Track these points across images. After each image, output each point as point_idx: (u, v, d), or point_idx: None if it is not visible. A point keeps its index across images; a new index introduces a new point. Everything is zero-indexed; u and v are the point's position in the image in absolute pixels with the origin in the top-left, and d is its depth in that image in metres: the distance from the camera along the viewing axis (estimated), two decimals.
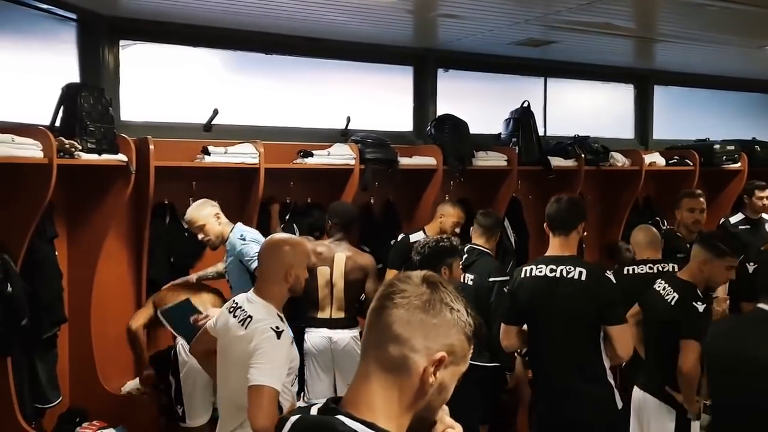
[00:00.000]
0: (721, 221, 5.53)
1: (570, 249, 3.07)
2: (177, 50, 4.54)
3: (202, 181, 4.25)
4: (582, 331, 2.95)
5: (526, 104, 5.27)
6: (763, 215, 5.51)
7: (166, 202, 4.21)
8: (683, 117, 6.67)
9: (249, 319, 2.41)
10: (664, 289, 3.27)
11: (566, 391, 2.98)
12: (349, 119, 4.83)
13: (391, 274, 4.38)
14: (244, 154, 4.15)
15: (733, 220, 5.54)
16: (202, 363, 2.80)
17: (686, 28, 4.66)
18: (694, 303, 3.11)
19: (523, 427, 4.64)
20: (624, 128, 6.39)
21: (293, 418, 1.18)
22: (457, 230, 4.36)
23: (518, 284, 3.17)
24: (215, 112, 4.36)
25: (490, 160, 4.99)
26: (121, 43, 4.24)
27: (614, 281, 2.98)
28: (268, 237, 2.85)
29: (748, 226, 5.41)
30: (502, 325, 3.22)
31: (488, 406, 3.98)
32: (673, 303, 3.17)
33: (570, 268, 2.97)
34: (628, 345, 2.95)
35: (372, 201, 4.83)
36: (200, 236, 3.81)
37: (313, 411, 1.18)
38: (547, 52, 5.38)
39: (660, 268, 3.95)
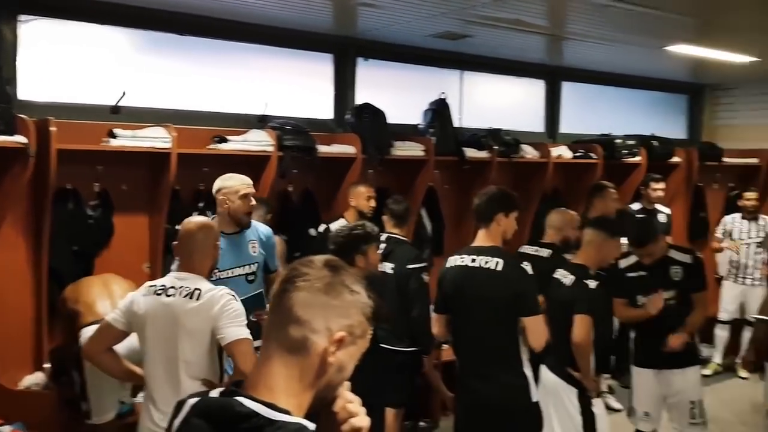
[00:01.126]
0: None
1: (492, 239, 3.12)
2: (84, 28, 4.30)
3: (108, 165, 4.07)
4: (498, 322, 3.02)
5: (443, 96, 5.34)
6: (657, 205, 5.91)
7: (69, 187, 3.99)
8: (589, 112, 6.97)
9: (198, 292, 2.56)
10: (562, 274, 3.49)
11: (482, 380, 3.05)
12: (266, 105, 4.74)
13: None
14: (155, 138, 3.99)
15: (632, 209, 5.92)
16: (98, 361, 2.73)
17: (593, 28, 4.86)
18: (586, 281, 3.36)
19: (435, 410, 4.74)
20: (534, 122, 6.61)
21: (192, 401, 1.18)
22: (373, 204, 4.41)
23: (444, 273, 3.24)
24: (123, 94, 4.18)
25: (408, 149, 5.04)
26: (21, 18, 3.98)
27: (530, 273, 3.03)
28: (189, 220, 2.85)
29: (645, 216, 5.78)
30: (433, 313, 3.29)
31: (406, 389, 4.04)
32: (570, 284, 3.41)
33: (488, 259, 3.04)
34: (541, 336, 3.00)
35: (290, 189, 4.77)
36: (252, 202, 3.55)
37: (214, 393, 1.18)
38: (463, 46, 5.48)
39: (535, 251, 4.27)
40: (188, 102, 4.63)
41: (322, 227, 4.47)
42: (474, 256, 3.10)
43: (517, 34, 5.02)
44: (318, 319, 1.17)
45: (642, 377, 3.94)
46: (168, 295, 2.58)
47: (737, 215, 6.36)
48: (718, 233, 6.42)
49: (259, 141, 4.38)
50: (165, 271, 4.17)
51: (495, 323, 3.03)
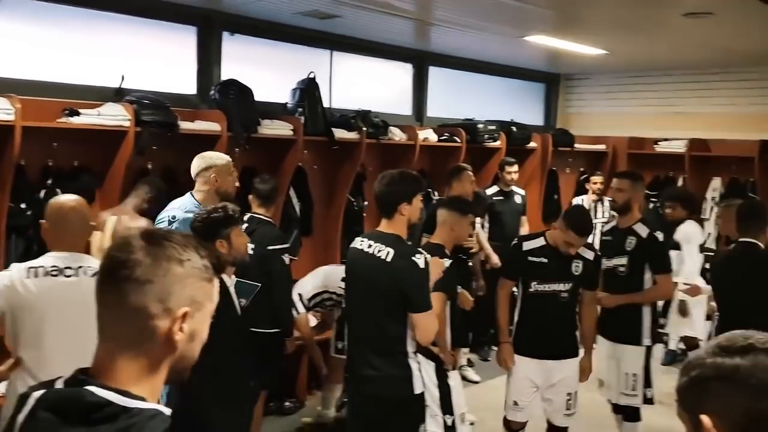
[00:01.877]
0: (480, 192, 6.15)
1: (394, 227, 3.01)
2: None
3: None
4: (385, 312, 2.97)
5: (312, 75, 5.31)
6: (513, 188, 6.27)
7: None
8: (454, 97, 7.20)
9: (90, 269, 2.56)
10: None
11: (368, 368, 3.01)
12: (123, 78, 4.49)
13: None
14: None
15: (490, 191, 6.25)
16: None
17: (458, 15, 5.02)
18: (440, 259, 3.36)
19: (300, 390, 4.77)
20: (402, 105, 6.74)
21: (36, 394, 1.11)
22: (237, 184, 4.30)
23: (348, 255, 3.21)
24: None
25: (276, 128, 4.98)
26: None
27: (421, 266, 2.91)
28: (59, 200, 2.75)
29: (502, 198, 6.20)
30: None
31: (269, 371, 4.01)
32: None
33: (381, 247, 2.95)
34: (428, 331, 2.95)
35: (150, 167, 4.57)
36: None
37: (59, 384, 1.12)
38: (333, 26, 5.47)
39: None
40: (36, 72, 4.28)
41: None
42: (371, 242, 3.01)
43: (386, 17, 5.08)
44: (154, 304, 1.11)
45: (521, 366, 3.79)
46: (67, 276, 2.53)
47: (586, 197, 6.86)
48: None
49: (114, 115, 4.14)
50: (9, 252, 3.89)
51: (381, 313, 2.97)
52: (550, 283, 3.68)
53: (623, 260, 4.02)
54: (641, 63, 7.18)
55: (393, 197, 2.99)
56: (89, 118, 4.06)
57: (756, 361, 1.02)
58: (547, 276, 3.67)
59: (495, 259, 5.74)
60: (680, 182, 7.24)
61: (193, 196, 3.61)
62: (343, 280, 4.49)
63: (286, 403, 4.91)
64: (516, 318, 3.85)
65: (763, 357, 1.02)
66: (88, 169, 4.28)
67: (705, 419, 1.02)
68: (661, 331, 6.22)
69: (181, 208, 3.51)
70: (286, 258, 3.93)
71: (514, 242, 3.92)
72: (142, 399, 1.09)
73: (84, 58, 4.52)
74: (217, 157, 3.66)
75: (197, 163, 3.64)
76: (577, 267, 3.69)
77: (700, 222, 5.08)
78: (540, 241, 3.76)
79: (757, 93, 6.90)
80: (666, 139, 7.27)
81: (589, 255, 3.73)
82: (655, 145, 7.35)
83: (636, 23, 5.10)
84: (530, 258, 3.71)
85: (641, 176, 4.49)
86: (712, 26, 4.98)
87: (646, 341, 4.00)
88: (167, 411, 1.10)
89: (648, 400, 4.01)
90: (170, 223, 3.44)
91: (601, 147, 7.65)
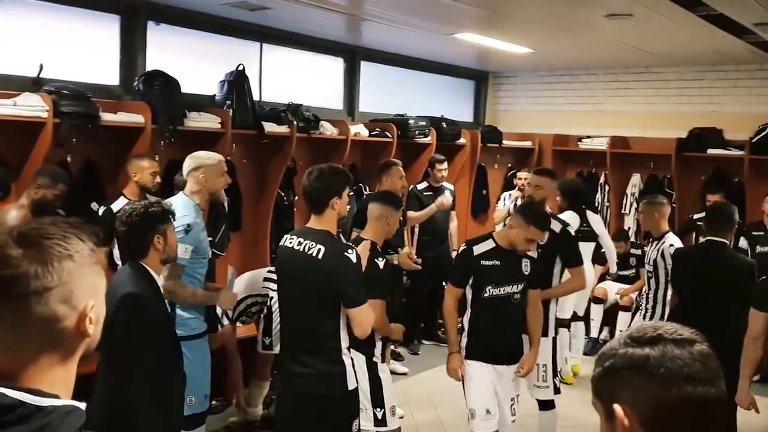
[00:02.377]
0: (411, 187, 6.23)
1: (324, 223, 2.98)
2: None
3: None
4: (317, 309, 2.94)
5: (241, 67, 5.23)
6: (444, 183, 6.37)
7: None
8: (386, 93, 7.24)
9: None
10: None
11: (299, 365, 2.98)
12: (41, 67, 4.30)
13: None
14: None
15: (420, 186, 6.34)
16: None
17: (388, 11, 5.05)
18: (376, 260, 3.32)
19: (229, 388, 4.71)
20: (334, 99, 6.73)
21: None
22: (158, 180, 4.23)
23: (277, 252, 3.16)
24: None
25: (203, 121, 4.88)
26: None
27: (354, 261, 2.89)
28: None
29: (431, 193, 6.28)
30: None
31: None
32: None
33: (312, 244, 2.92)
34: (364, 325, 2.95)
35: (69, 159, 4.40)
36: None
37: None
38: (263, 18, 5.40)
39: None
40: None
41: (101, 210, 4.17)
42: (301, 239, 2.97)
43: (316, 11, 5.05)
44: (59, 308, 1.08)
45: (479, 370, 3.62)
46: None
47: (514, 192, 7.02)
48: (499, 207, 7.05)
49: (31, 106, 3.97)
50: None
51: (314, 310, 2.95)
52: (504, 286, 3.57)
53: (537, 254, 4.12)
54: (566, 62, 7.41)
55: (323, 192, 2.97)
56: (5, 108, 3.88)
57: (664, 351, 1.05)
58: (501, 279, 3.57)
59: (412, 264, 5.50)
60: (602, 178, 7.51)
61: (189, 197, 3.53)
62: (266, 280, 4.45)
63: (214, 402, 4.83)
64: (467, 324, 3.69)
65: (672, 347, 1.05)
66: (4, 161, 4.10)
67: (617, 408, 1.05)
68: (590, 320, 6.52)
69: (189, 215, 3.41)
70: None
71: (462, 247, 3.71)
72: (56, 396, 1.06)
73: (0, 46, 4.32)
74: (207, 157, 3.60)
75: (187, 163, 3.60)
76: (526, 266, 3.64)
77: (582, 213, 5.34)
78: (489, 243, 3.61)
79: (675, 93, 7.23)
80: (589, 137, 7.53)
81: (534, 253, 3.66)
82: (579, 143, 7.61)
83: (561, 23, 5.26)
84: (483, 262, 3.56)
85: (556, 173, 4.67)
86: (633, 27, 5.18)
87: (552, 332, 4.12)
88: (82, 406, 1.08)
89: (557, 390, 4.13)
90: (186, 232, 3.34)
91: (528, 144, 7.86)
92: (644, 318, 4.76)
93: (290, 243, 3.03)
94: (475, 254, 3.58)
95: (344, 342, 3.00)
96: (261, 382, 4.66)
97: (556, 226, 4.04)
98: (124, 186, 4.32)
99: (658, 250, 4.60)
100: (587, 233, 5.43)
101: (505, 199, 7.00)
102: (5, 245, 1.06)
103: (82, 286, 1.11)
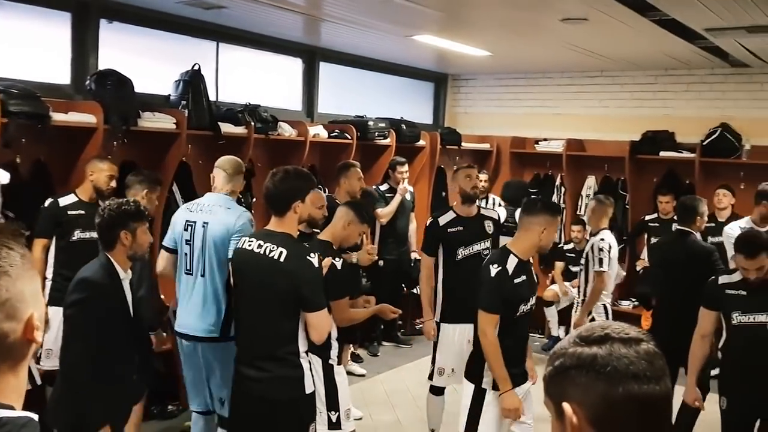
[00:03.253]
0: (372, 187, 6.24)
1: (285, 226, 2.99)
2: None
3: None
4: (277, 312, 2.93)
5: (197, 67, 5.14)
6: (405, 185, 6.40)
7: None
8: (346, 94, 7.22)
9: None
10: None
11: (256, 370, 2.96)
12: None
13: (39, 243, 3.98)
14: None
15: (382, 188, 6.35)
16: None
17: (347, 11, 5.03)
18: (333, 260, 3.37)
19: (184, 396, 4.63)
20: (293, 100, 6.68)
21: None
22: (113, 184, 4.17)
23: (234, 255, 3.15)
24: None
25: (158, 121, 4.78)
26: None
27: (315, 265, 2.92)
28: None
29: (392, 195, 6.32)
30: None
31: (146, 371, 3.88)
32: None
33: (273, 247, 2.91)
34: (322, 330, 2.96)
35: (18, 160, 4.26)
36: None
37: None
38: (220, 17, 5.33)
39: None
40: None
41: (48, 202, 4.10)
42: (261, 242, 2.96)
43: (274, 10, 5.00)
44: (4, 325, 1.06)
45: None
46: None
47: None
48: None
49: None
50: None
51: (274, 314, 2.94)
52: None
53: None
54: (523, 65, 7.50)
55: (286, 195, 2.96)
56: None
57: (611, 350, 1.06)
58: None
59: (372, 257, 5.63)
60: (558, 180, 7.62)
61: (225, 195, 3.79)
62: None
63: (169, 407, 4.75)
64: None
65: (619, 346, 1.07)
66: None
67: (566, 406, 1.07)
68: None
69: (246, 211, 3.78)
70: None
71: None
72: (11, 407, 1.06)
73: None
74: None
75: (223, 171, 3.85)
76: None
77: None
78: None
79: (628, 96, 7.38)
80: (546, 139, 7.63)
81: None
82: (535, 145, 7.70)
83: (517, 27, 5.32)
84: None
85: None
86: (588, 32, 5.27)
87: None
88: (35, 417, 1.07)
89: None
90: (252, 224, 3.66)
91: (487, 146, 7.92)
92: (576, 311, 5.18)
93: (249, 245, 3.00)
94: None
95: (302, 346, 2.99)
96: None
97: (494, 214, 4.51)
98: (76, 186, 4.22)
99: (590, 244, 4.95)
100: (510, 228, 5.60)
101: None
102: None
103: (24, 297, 1.09)
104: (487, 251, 4.11)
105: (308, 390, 3.02)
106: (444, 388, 4.34)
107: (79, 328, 2.85)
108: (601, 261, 4.77)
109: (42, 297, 1.16)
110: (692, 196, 4.96)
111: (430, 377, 4.31)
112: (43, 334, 1.13)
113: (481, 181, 6.94)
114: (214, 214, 3.66)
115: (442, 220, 4.22)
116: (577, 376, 1.07)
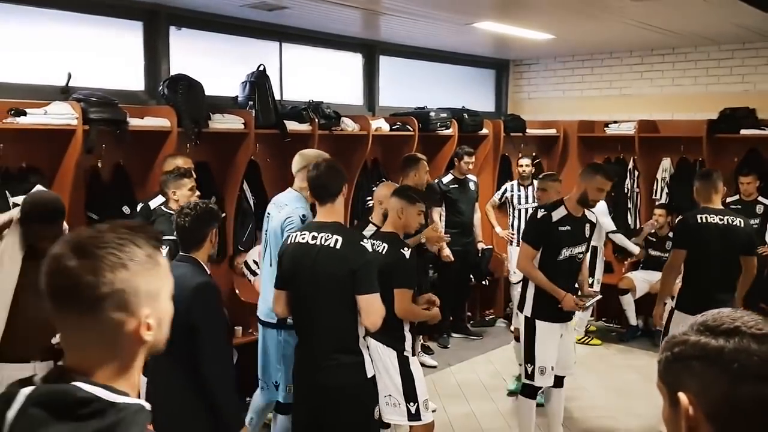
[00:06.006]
0: (435, 180, 6.25)
1: (334, 215, 3.11)
2: None
3: None
4: (337, 300, 3.00)
5: (261, 68, 5.28)
6: (468, 176, 6.37)
7: None
8: (406, 86, 7.23)
9: None
10: (373, 243, 3.44)
11: (320, 358, 3.04)
12: (70, 75, 4.40)
13: None
14: None
15: (445, 180, 6.34)
16: None
17: (406, 3, 5.04)
18: (401, 250, 3.44)
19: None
20: (354, 95, 6.75)
21: (25, 390, 1.10)
22: (197, 193, 4.28)
23: (284, 250, 3.19)
24: None
25: (227, 123, 4.94)
26: None
27: (369, 249, 3.04)
28: None
29: (457, 186, 6.32)
30: (274, 290, 3.24)
31: None
32: (384, 252, 3.49)
33: (328, 236, 3.01)
34: (375, 315, 2.98)
35: (100, 165, 4.50)
36: None
37: (38, 380, 1.13)
38: (281, 17, 5.44)
39: None
40: None
41: (139, 206, 4.24)
42: (315, 233, 3.06)
43: (334, 8, 5.08)
44: (115, 315, 1.13)
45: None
46: None
47: (515, 182, 6.90)
48: (495, 198, 6.95)
49: (61, 114, 4.06)
50: None
51: (332, 302, 3.01)
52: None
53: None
54: (588, 47, 7.33)
55: (335, 184, 3.12)
56: (36, 117, 3.98)
57: (740, 345, 0.97)
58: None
59: (447, 251, 5.82)
60: (630, 163, 7.40)
61: (299, 192, 3.88)
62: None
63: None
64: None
65: (748, 341, 0.97)
66: (36, 169, 4.18)
67: (682, 397, 1.00)
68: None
69: (303, 206, 3.77)
70: None
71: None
72: (126, 394, 1.12)
73: (29, 57, 4.42)
74: (314, 156, 3.85)
75: (297, 161, 3.95)
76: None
77: None
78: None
79: (702, 73, 7.09)
80: (615, 122, 7.40)
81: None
82: (605, 128, 7.47)
83: (582, 7, 5.20)
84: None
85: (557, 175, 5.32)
86: (657, 9, 5.10)
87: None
88: (148, 406, 1.13)
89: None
90: (302, 221, 3.63)
91: (553, 131, 7.77)
92: None
93: (302, 239, 3.09)
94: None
95: (361, 331, 3.08)
96: None
97: (593, 217, 4.29)
98: (153, 188, 4.39)
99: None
100: None
101: (507, 190, 6.88)
102: (63, 256, 1.12)
103: (138, 293, 1.14)
104: (581, 255, 4.11)
105: (369, 374, 3.10)
106: (538, 390, 4.20)
107: (208, 331, 2.67)
108: None
109: (166, 303, 1.21)
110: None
111: (529, 377, 4.10)
112: (159, 335, 1.19)
113: (522, 166, 6.80)
114: (279, 208, 3.87)
115: (556, 215, 4.03)
116: (698, 367, 0.99)
